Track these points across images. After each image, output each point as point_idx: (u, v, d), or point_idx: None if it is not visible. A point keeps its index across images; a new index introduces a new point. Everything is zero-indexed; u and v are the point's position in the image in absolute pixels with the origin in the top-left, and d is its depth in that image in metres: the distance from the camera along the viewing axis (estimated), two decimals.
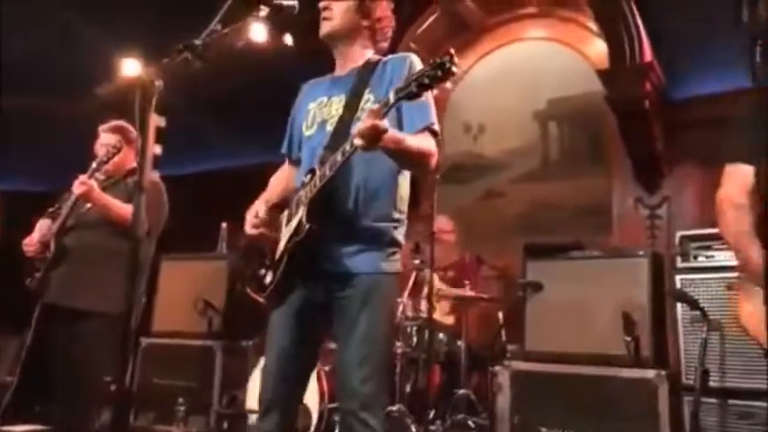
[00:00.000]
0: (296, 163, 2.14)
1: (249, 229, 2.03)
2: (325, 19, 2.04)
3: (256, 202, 2.08)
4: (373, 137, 1.66)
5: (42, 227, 3.01)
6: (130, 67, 4.40)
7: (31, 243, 2.99)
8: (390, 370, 2.01)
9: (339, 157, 1.79)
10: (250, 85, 4.92)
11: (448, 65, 1.57)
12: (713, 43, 3.97)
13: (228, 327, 4.26)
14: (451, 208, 4.71)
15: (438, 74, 1.58)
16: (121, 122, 3.15)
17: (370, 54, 2.09)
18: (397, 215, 1.96)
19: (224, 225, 4.77)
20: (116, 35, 4.52)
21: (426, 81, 1.60)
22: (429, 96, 1.90)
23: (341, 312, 1.86)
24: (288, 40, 4.54)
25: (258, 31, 3.52)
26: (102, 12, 4.57)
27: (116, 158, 2.99)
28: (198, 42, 1.94)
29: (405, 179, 2.01)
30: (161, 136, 1.86)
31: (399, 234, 1.96)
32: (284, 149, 2.20)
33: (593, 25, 4.68)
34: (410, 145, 1.81)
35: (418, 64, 1.91)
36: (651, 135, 4.31)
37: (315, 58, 2.28)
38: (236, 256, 4.38)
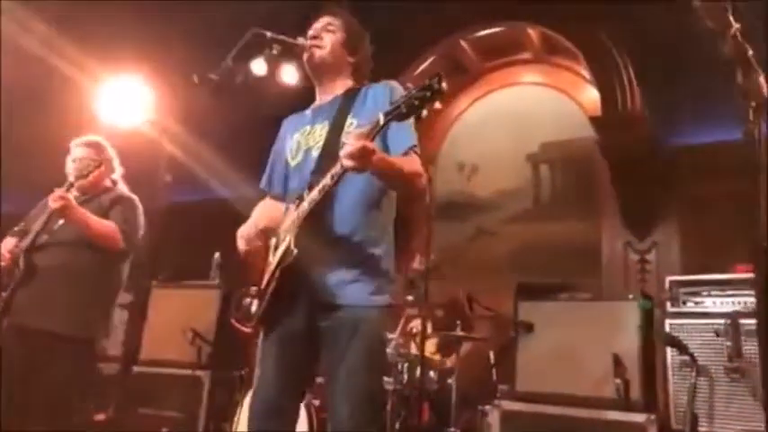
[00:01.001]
0: (276, 198, 2.14)
1: (243, 245, 2.00)
2: (315, 47, 2.07)
3: (244, 225, 2.06)
4: (363, 158, 1.67)
5: (7, 245, 2.87)
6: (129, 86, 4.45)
7: (3, 258, 2.83)
8: (382, 405, 1.97)
9: (329, 180, 1.79)
10: (247, 117, 4.98)
11: (436, 85, 1.59)
12: (706, 94, 4.10)
13: (217, 357, 4.22)
14: (442, 245, 4.76)
15: (427, 95, 1.60)
16: (96, 138, 3.07)
17: (350, 84, 2.13)
18: (384, 240, 1.95)
19: (217, 255, 4.77)
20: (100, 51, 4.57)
21: (416, 102, 1.62)
22: (411, 119, 1.91)
23: (328, 344, 1.84)
24: (286, 76, 4.65)
25: (258, 67, 3.60)
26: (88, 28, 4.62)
27: (94, 174, 2.91)
28: (213, 77, 2.00)
29: (391, 204, 2.02)
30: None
31: (389, 263, 1.94)
32: (263, 184, 2.20)
33: (586, 73, 4.82)
34: (400, 166, 1.84)
35: (400, 90, 1.93)
36: (641, 182, 4.41)
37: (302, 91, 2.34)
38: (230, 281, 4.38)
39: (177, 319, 4.26)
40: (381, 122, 1.69)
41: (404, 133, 1.92)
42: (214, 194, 5.64)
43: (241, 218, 2.30)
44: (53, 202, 2.75)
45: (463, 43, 5.19)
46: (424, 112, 1.65)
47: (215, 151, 4.66)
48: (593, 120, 4.43)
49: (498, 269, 4.88)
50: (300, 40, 2.23)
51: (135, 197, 2.97)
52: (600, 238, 4.70)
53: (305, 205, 1.85)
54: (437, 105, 1.65)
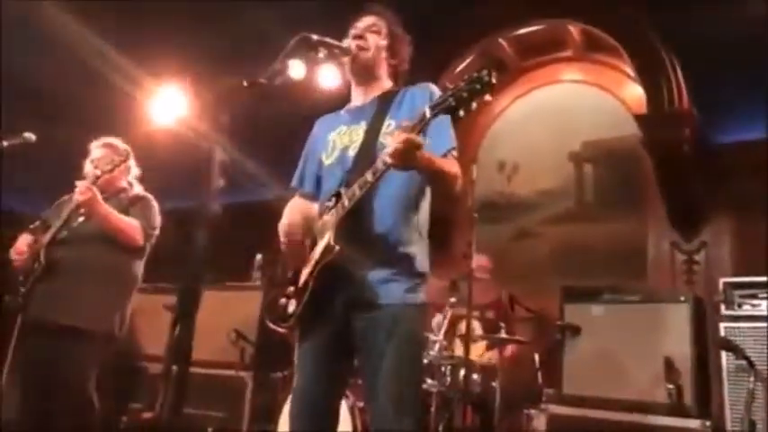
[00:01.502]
0: (307, 196, 2.14)
1: (283, 236, 1.99)
2: (358, 48, 2.08)
3: (283, 220, 2.05)
4: (408, 153, 1.65)
5: (25, 241, 2.91)
6: (170, 94, 4.51)
7: (20, 252, 2.87)
8: (422, 403, 1.95)
9: (370, 177, 1.78)
10: (285, 119, 5.02)
11: (486, 78, 1.57)
12: (754, 89, 3.98)
13: (260, 358, 4.27)
14: (483, 247, 4.70)
15: (476, 87, 1.57)
16: (114, 139, 3.12)
17: (388, 86, 2.13)
18: (420, 240, 1.95)
19: (259, 256, 4.82)
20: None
21: (465, 95, 1.59)
22: (449, 120, 1.92)
23: (365, 344, 1.84)
24: (324, 80, 4.65)
25: (297, 69, 3.62)
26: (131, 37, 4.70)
27: (120, 168, 2.96)
28: (262, 80, 2.01)
29: (426, 204, 2.01)
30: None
31: (424, 262, 1.94)
32: (295, 183, 2.20)
33: (628, 69, 4.71)
34: (443, 164, 1.83)
35: (438, 93, 1.90)
36: (689, 180, 4.29)
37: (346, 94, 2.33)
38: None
39: (220, 320, 4.32)
40: (428, 116, 1.67)
41: (444, 135, 1.92)
42: (255, 196, 5.71)
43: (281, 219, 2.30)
44: (79, 194, 2.78)
45: (502, 41, 5.13)
46: (474, 105, 1.61)
47: (256, 153, 4.70)
48: (639, 118, 4.33)
49: (541, 271, 4.80)
50: (347, 43, 2.24)
51: (151, 197, 3.08)
52: (645, 239, 4.59)
53: (345, 202, 1.85)
54: (487, 98, 1.62)
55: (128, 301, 2.98)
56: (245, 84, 1.99)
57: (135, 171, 3.18)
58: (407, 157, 1.67)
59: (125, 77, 4.76)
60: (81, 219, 2.88)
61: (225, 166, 1.90)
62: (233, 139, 1.95)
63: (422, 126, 1.68)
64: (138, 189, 3.16)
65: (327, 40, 2.09)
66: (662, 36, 4.29)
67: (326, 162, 2.07)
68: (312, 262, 1.88)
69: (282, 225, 2.02)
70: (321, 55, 2.19)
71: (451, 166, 1.89)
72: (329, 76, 2.70)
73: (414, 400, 1.85)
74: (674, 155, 4.20)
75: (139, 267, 3.04)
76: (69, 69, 4.89)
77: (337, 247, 1.79)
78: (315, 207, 2.07)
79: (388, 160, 1.70)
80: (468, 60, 5.10)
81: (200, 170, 1.85)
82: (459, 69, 5.10)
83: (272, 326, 2.03)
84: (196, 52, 4.56)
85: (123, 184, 3.10)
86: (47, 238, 2.86)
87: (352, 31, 2.11)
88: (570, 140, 5.02)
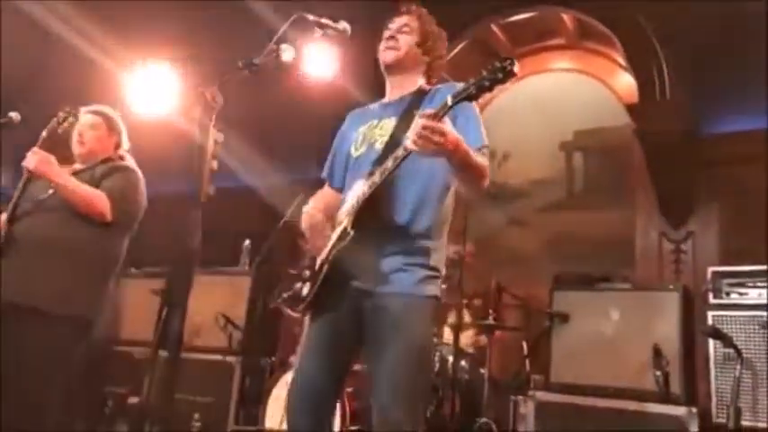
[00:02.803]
0: (336, 189, 2.14)
1: (306, 219, 2.01)
2: (390, 48, 2.08)
3: (309, 207, 2.09)
4: (430, 136, 1.64)
5: None
6: (162, 77, 4.44)
7: None
8: (426, 398, 1.94)
9: (390, 164, 1.78)
10: (277, 106, 4.97)
11: (509, 67, 1.58)
12: (744, 80, 4.00)
13: (248, 343, 4.25)
14: (473, 235, 4.71)
15: (498, 76, 1.58)
16: (105, 108, 2.88)
17: (422, 84, 2.12)
18: (439, 236, 1.93)
19: (247, 242, 4.79)
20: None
21: (486, 84, 1.60)
22: (479, 118, 1.94)
23: (372, 332, 1.83)
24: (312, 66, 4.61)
25: (287, 52, 3.57)
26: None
27: (86, 141, 2.72)
28: (257, 61, 1.98)
29: (449, 202, 1.99)
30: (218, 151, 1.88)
31: (440, 258, 1.92)
32: (325, 173, 2.20)
33: (620, 58, 4.72)
34: (472, 155, 1.79)
35: None
36: (678, 170, 4.31)
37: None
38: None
39: (208, 305, 4.30)
40: (450, 104, 1.65)
41: (475, 130, 1.90)
42: (243, 182, 5.66)
43: (270, 205, 2.28)
44: (26, 161, 2.53)
45: (495, 28, 5.11)
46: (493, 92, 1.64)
47: (248, 137, 4.65)
48: (630, 107, 4.33)
49: (530, 259, 4.82)
50: (342, 25, 2.21)
51: (137, 169, 2.76)
52: (634, 228, 4.61)
53: (365, 189, 1.84)
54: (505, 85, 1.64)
55: (104, 283, 2.65)
56: (239, 64, 1.96)
57: (126, 144, 2.89)
58: (429, 142, 1.65)
59: (111, 57, 4.69)
60: (50, 191, 2.56)
61: (217, 149, 1.87)
62: (226, 122, 1.92)
63: (443, 113, 1.67)
64: (129, 162, 2.83)
65: (323, 20, 2.06)
66: (654, 25, 4.29)
67: (355, 154, 2.07)
68: (328, 247, 1.89)
69: (305, 210, 2.05)
70: (317, 36, 2.17)
71: (480, 159, 1.85)
72: (322, 62, 2.66)
73: (415, 392, 1.82)
74: (665, 144, 4.21)
75: (119, 245, 2.69)
76: (53, 48, 4.81)
77: (351, 233, 1.79)
78: (340, 199, 2.07)
79: (410, 146, 1.69)
80: (459, 47, 5.08)
81: (193, 153, 1.82)
82: (450, 56, 5.07)
83: (286, 310, 2.03)
84: (188, 32, 4.50)
85: (112, 155, 2.79)
86: (7, 212, 2.57)
87: (386, 32, 2.11)
88: (561, 130, 5.02)
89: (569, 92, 5.08)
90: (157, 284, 4.54)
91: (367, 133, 2.06)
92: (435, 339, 3.77)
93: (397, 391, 1.76)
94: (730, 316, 3.01)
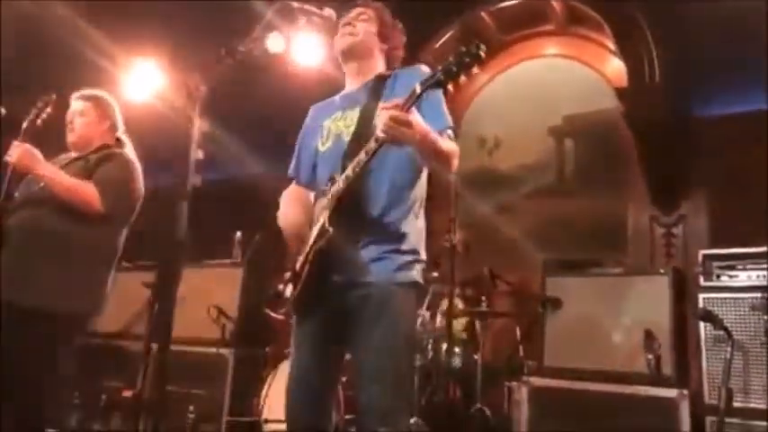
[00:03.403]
0: (304, 185, 2.12)
1: (292, 230, 1.97)
2: (348, 34, 2.06)
3: (286, 213, 2.03)
4: (399, 127, 1.64)
5: None
6: (146, 70, 4.40)
7: None
8: (411, 384, 1.93)
9: (363, 156, 1.77)
10: (265, 96, 4.94)
11: (475, 50, 1.57)
12: (734, 63, 4.00)
13: (241, 334, 4.25)
14: (464, 222, 4.70)
15: (466, 60, 1.57)
16: (97, 92, 2.78)
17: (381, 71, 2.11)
18: (414, 220, 1.94)
19: (238, 233, 4.77)
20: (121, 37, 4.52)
21: (454, 69, 1.58)
22: (443, 98, 1.94)
23: (355, 322, 1.83)
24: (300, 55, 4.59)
25: (276, 42, 3.55)
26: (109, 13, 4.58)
27: (77, 128, 2.64)
28: (241, 49, 1.96)
29: (421, 186, 2.00)
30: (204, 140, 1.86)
31: (417, 242, 1.93)
32: (292, 172, 2.17)
33: (610, 43, 4.70)
34: (437, 139, 1.80)
35: (429, 72, 1.88)
36: (669, 154, 4.32)
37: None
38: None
39: (201, 297, 4.28)
40: (418, 91, 1.65)
41: (438, 114, 1.90)
42: (234, 173, 5.63)
43: (260, 197, 2.26)
44: (8, 155, 2.45)
45: (484, 15, 5.07)
46: (462, 78, 1.61)
47: (235, 127, 4.63)
48: (619, 91, 4.32)
49: (522, 245, 4.82)
50: (327, 12, 2.19)
51: (132, 157, 2.67)
52: (625, 213, 4.62)
53: (339, 184, 1.83)
54: (474, 71, 1.61)
55: (101, 277, 2.57)
56: (223, 52, 1.94)
57: (121, 127, 2.78)
58: (398, 131, 1.65)
59: (98, 51, 4.64)
60: (42, 183, 2.49)
61: (203, 139, 1.86)
62: (211, 112, 1.90)
63: (412, 102, 1.67)
64: (128, 151, 2.73)
65: (307, 7, 2.04)
66: (643, 9, 4.28)
67: (322, 149, 2.05)
68: (307, 246, 1.87)
69: (285, 218, 2.01)
70: (301, 24, 2.15)
71: (447, 144, 1.86)
72: (308, 50, 2.63)
73: (400, 377, 1.83)
74: (655, 128, 4.22)
75: (114, 237, 2.61)
76: (39, 41, 4.75)
77: (331, 230, 1.78)
78: (311, 196, 2.07)
79: (380, 135, 1.68)
80: (449, 34, 5.05)
81: (179, 144, 1.80)
82: (440, 43, 5.05)
83: (270, 313, 2.02)
84: (174, 25, 4.45)
85: (107, 140, 2.70)
86: None
87: (342, 20, 2.09)
88: (551, 115, 5.00)
89: (559, 77, 5.05)
90: (149, 278, 4.54)
91: (332, 126, 2.04)
92: (428, 327, 3.78)
93: (383, 378, 1.77)
94: (721, 298, 3.01)
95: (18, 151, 2.45)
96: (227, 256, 4.76)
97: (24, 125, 2.58)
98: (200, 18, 4.48)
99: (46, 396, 2.42)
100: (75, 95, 2.73)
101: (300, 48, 2.58)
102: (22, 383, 2.33)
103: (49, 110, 2.64)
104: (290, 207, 2.06)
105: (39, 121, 2.62)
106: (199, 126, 1.79)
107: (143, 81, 4.46)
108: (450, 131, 1.91)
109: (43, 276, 2.39)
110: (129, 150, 2.74)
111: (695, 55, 4.23)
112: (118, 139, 2.75)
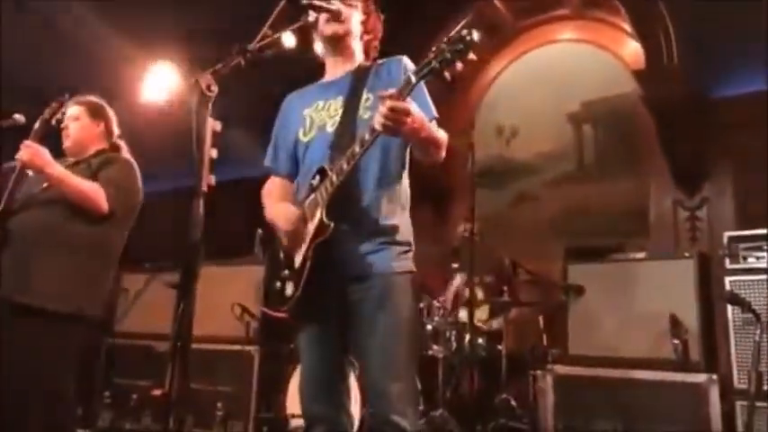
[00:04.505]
0: (284, 176, 2.09)
1: (287, 225, 1.92)
2: (335, 21, 2.02)
3: (276, 208, 2.01)
4: (399, 117, 1.63)
5: None
6: (163, 73, 4.45)
7: None
8: (417, 370, 1.94)
9: (357, 149, 1.75)
10: (286, 91, 4.95)
11: (468, 37, 1.53)
12: (753, 41, 3.90)
13: (265, 331, 4.28)
14: (483, 212, 4.68)
15: (459, 47, 1.53)
16: (91, 97, 2.80)
17: (361, 61, 2.09)
18: (404, 211, 1.94)
19: (260, 231, 4.80)
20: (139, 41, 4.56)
21: (448, 56, 1.55)
22: (425, 90, 1.91)
23: (357, 314, 1.83)
24: (318, 48, 4.59)
25: (288, 39, 3.55)
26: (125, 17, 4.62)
27: (71, 133, 2.66)
28: (251, 47, 1.95)
29: (406, 175, 1.99)
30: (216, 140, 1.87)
31: (408, 232, 1.94)
32: (268, 162, 2.12)
33: (626, 26, 4.63)
34: (432, 129, 1.80)
35: (412, 66, 1.85)
36: (690, 136, 4.24)
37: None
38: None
39: (224, 295, 4.32)
40: (413, 80, 1.63)
41: (425, 104, 1.88)
42: (254, 171, 5.66)
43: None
44: (20, 155, 2.46)
45: (497, 2, 5.04)
46: (459, 66, 1.57)
47: (251, 126, 4.65)
48: (637, 73, 4.26)
49: (542, 234, 4.78)
50: (335, 6, 2.17)
51: (131, 160, 2.70)
52: (647, 197, 4.55)
53: (333, 178, 1.81)
54: (471, 57, 1.58)
55: (103, 277, 2.60)
56: (233, 52, 1.94)
57: (117, 131, 2.81)
58: (397, 123, 1.64)
59: (116, 52, 4.69)
60: (44, 184, 2.51)
61: (218, 138, 1.86)
62: (225, 111, 1.91)
63: (408, 91, 1.66)
64: (124, 154, 2.77)
65: (316, 2, 2.02)
66: None
67: (304, 139, 2.02)
68: (306, 242, 1.85)
69: (278, 214, 1.98)
70: (311, 18, 2.14)
71: (439, 132, 1.87)
72: (288, 40, 2.62)
73: (405, 366, 1.82)
74: (675, 110, 4.14)
75: (117, 238, 2.64)
76: (59, 43, 4.81)
77: (331, 225, 1.77)
78: (292, 187, 2.04)
79: (378, 128, 1.67)
80: (463, 21, 5.01)
81: (194, 144, 1.81)
82: (454, 31, 5.01)
83: (270, 312, 2.01)
84: (189, 28, 4.48)
85: (104, 145, 2.73)
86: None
87: (329, 5, 2.04)
88: (569, 101, 4.95)
89: (576, 62, 5.00)
90: (172, 278, 4.59)
91: (314, 116, 2.01)
92: (450, 318, 3.77)
93: (390, 368, 1.77)
94: (748, 281, 2.96)
95: (30, 151, 2.47)
96: (249, 253, 4.80)
97: (37, 125, 2.59)
98: (215, 19, 4.50)
99: (52, 395, 2.41)
100: (75, 99, 2.74)
101: (312, 43, 2.57)
102: (27, 381, 2.33)
103: (63, 110, 2.66)
104: (280, 201, 2.02)
105: (53, 122, 2.65)
106: (212, 126, 1.79)
107: (159, 82, 4.51)
108: (434, 122, 1.90)
109: (48, 276, 2.41)
110: (127, 154, 2.78)
111: (714, 33, 4.14)
112: (114, 144, 2.78)
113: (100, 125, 2.75)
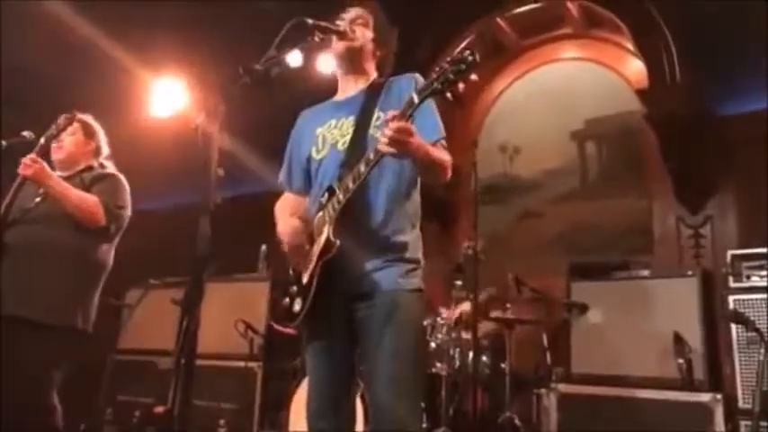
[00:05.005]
0: (297, 193, 2.12)
1: (290, 239, 1.96)
2: (346, 40, 2.05)
3: (283, 222, 2.04)
4: (402, 140, 1.65)
5: None
6: (168, 89, 4.49)
7: None
8: (423, 389, 1.92)
9: (363, 168, 1.78)
10: (288, 109, 4.99)
11: (470, 57, 1.57)
12: (756, 59, 3.93)
13: (269, 348, 4.28)
14: (488, 229, 4.69)
15: (462, 67, 1.57)
16: (86, 116, 2.89)
17: (373, 78, 2.11)
18: (413, 229, 1.96)
19: (264, 247, 4.82)
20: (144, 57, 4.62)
21: (451, 77, 1.58)
22: (435, 110, 1.94)
23: (364, 332, 1.84)
24: (322, 65, 4.63)
25: (295, 58, 3.60)
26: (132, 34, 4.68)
27: (65, 146, 2.72)
28: (258, 67, 1.98)
29: (417, 194, 2.02)
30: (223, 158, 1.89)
31: (417, 250, 1.95)
32: (282, 178, 2.17)
33: (628, 44, 4.66)
34: (434, 151, 1.82)
35: (422, 82, 1.87)
36: (693, 154, 4.24)
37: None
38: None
39: (228, 311, 4.33)
40: (416, 101, 1.65)
41: (432, 124, 1.91)
42: (257, 188, 5.69)
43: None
44: (23, 169, 2.50)
45: (500, 21, 5.07)
46: (461, 86, 1.61)
47: (256, 143, 4.69)
48: (640, 92, 4.28)
49: (546, 251, 4.78)
50: (341, 25, 2.21)
51: (121, 175, 2.78)
52: (651, 215, 4.55)
53: (340, 197, 1.84)
54: (473, 77, 1.61)
55: (94, 291, 2.64)
56: (240, 71, 1.97)
57: (105, 151, 2.92)
58: (401, 144, 1.66)
59: (122, 69, 4.74)
60: (38, 199, 2.56)
61: (224, 156, 1.89)
62: (232, 129, 1.93)
63: (411, 112, 1.68)
64: (110, 170, 2.87)
65: (323, 23, 2.06)
66: (661, 8, 4.24)
67: (317, 157, 2.05)
68: (313, 259, 1.87)
69: (284, 229, 2.01)
70: (317, 39, 2.17)
71: (443, 154, 1.89)
72: (328, 61, 2.66)
73: (411, 385, 1.83)
74: (677, 128, 4.15)
75: (107, 252, 2.68)
76: (66, 57, 4.87)
77: (337, 243, 1.80)
78: (305, 203, 2.07)
79: (383, 149, 1.69)
80: (467, 41, 5.06)
81: (200, 162, 1.83)
82: (457, 51, 5.05)
83: (278, 327, 2.02)
84: (195, 45, 4.54)
85: (93, 162, 2.82)
86: None
87: (339, 23, 2.09)
88: (572, 119, 4.97)
89: (579, 81, 5.02)
90: (178, 294, 4.61)
91: (327, 135, 2.04)
92: (453, 335, 3.76)
93: (395, 384, 1.77)
94: (751, 299, 2.96)
95: (36, 166, 2.52)
96: (253, 270, 4.82)
97: (42, 140, 2.64)
98: (223, 39, 4.56)
99: (41, 408, 2.44)
100: (63, 117, 2.77)
101: (318, 62, 2.61)
102: (23, 395, 2.36)
103: (71, 126, 2.73)
104: (288, 218, 2.05)
105: (63, 153, 2.75)
106: (219, 144, 1.82)
107: (166, 99, 4.56)
108: (443, 141, 1.92)
109: (43, 290, 2.45)
110: (113, 169, 2.87)
111: (717, 51, 4.17)
112: (101, 164, 2.86)
113: (91, 144, 2.85)
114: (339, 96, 2.14)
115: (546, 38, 5.24)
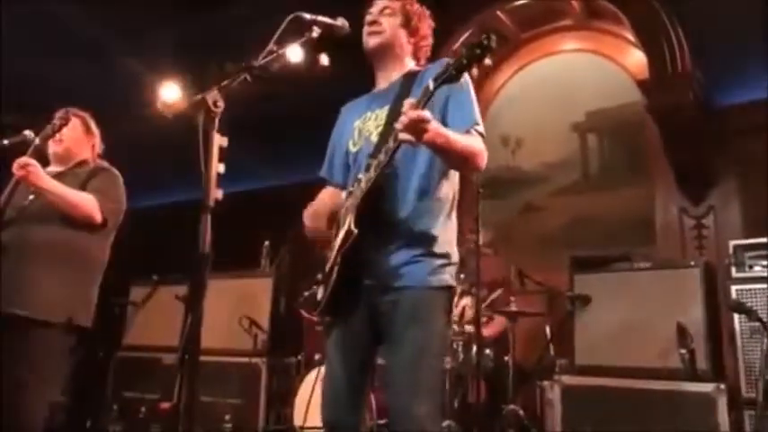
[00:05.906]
0: (338, 186, 2.11)
1: (308, 221, 1.99)
2: (374, 33, 2.03)
3: (309, 206, 2.06)
4: (416, 127, 1.62)
5: None
6: (171, 92, 4.48)
7: None
8: (443, 387, 1.90)
9: (383, 157, 1.75)
10: (289, 105, 4.99)
11: (486, 42, 1.54)
12: (757, 49, 3.92)
13: (273, 343, 4.30)
14: (490, 222, 4.68)
15: (476, 52, 1.54)
16: (79, 111, 2.86)
17: (411, 66, 2.08)
18: (444, 222, 1.89)
19: (266, 243, 4.83)
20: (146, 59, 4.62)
21: (465, 62, 1.56)
22: (473, 96, 1.90)
23: (388, 328, 1.81)
24: (324, 60, 4.62)
25: (294, 53, 3.59)
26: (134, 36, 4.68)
27: (65, 140, 2.71)
28: (257, 63, 1.98)
29: (451, 186, 1.95)
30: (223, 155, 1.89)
31: (448, 243, 1.89)
32: (324, 172, 2.16)
33: (630, 35, 4.65)
34: (456, 140, 1.75)
35: None
36: (695, 144, 4.24)
37: (351, 77, 2.30)
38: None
39: (232, 307, 4.35)
40: (431, 88, 1.63)
41: (464, 111, 1.86)
42: (260, 184, 5.71)
43: (288, 206, 2.29)
44: (16, 170, 2.48)
45: (501, 14, 5.06)
46: (475, 71, 1.59)
47: (256, 140, 4.69)
48: (641, 83, 4.27)
49: (549, 244, 4.79)
50: (340, 21, 2.20)
51: (115, 170, 2.76)
52: (653, 207, 4.55)
53: (362, 185, 1.82)
54: (486, 62, 1.59)
55: (91, 288, 2.63)
56: (240, 67, 1.97)
57: (100, 148, 2.90)
58: (417, 132, 1.63)
59: (121, 66, 4.75)
60: (31, 196, 2.54)
61: (224, 153, 1.89)
62: (231, 125, 1.93)
63: (426, 100, 1.65)
64: (103, 165, 2.84)
65: (320, 18, 2.05)
66: None
67: (353, 150, 2.03)
68: (335, 249, 1.86)
69: (305, 213, 2.02)
70: (315, 34, 2.16)
71: (470, 141, 1.81)
72: (325, 60, 2.65)
73: (432, 385, 1.80)
74: (679, 119, 4.15)
75: (103, 249, 2.68)
76: (61, 56, 4.87)
77: (356, 232, 1.76)
78: (343, 195, 2.05)
79: (400, 137, 1.67)
80: (466, 34, 5.05)
81: (200, 159, 1.84)
82: (458, 44, 5.04)
83: (304, 314, 2.01)
84: (193, 40, 4.54)
85: (86, 156, 2.80)
86: None
87: (367, 17, 2.07)
88: (573, 111, 4.97)
89: (580, 73, 5.01)
90: (181, 291, 4.63)
91: (362, 127, 2.03)
92: (457, 329, 3.77)
93: (417, 387, 1.74)
94: (754, 289, 2.96)
95: (28, 168, 2.49)
96: (256, 266, 4.83)
97: (37, 141, 2.61)
98: (221, 33, 4.56)
99: (40, 404, 2.43)
100: (59, 115, 2.76)
101: (319, 59, 2.60)
102: (22, 392, 2.35)
103: (67, 127, 2.71)
104: (316, 204, 2.06)
105: (60, 147, 2.72)
106: (218, 141, 1.82)
107: (166, 97, 4.54)
108: (478, 127, 1.86)
109: (40, 287, 2.44)
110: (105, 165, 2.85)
111: (718, 42, 4.16)
112: (95, 160, 2.84)
113: (90, 139, 2.84)
114: (377, 88, 2.12)
115: (546, 30, 5.23)
